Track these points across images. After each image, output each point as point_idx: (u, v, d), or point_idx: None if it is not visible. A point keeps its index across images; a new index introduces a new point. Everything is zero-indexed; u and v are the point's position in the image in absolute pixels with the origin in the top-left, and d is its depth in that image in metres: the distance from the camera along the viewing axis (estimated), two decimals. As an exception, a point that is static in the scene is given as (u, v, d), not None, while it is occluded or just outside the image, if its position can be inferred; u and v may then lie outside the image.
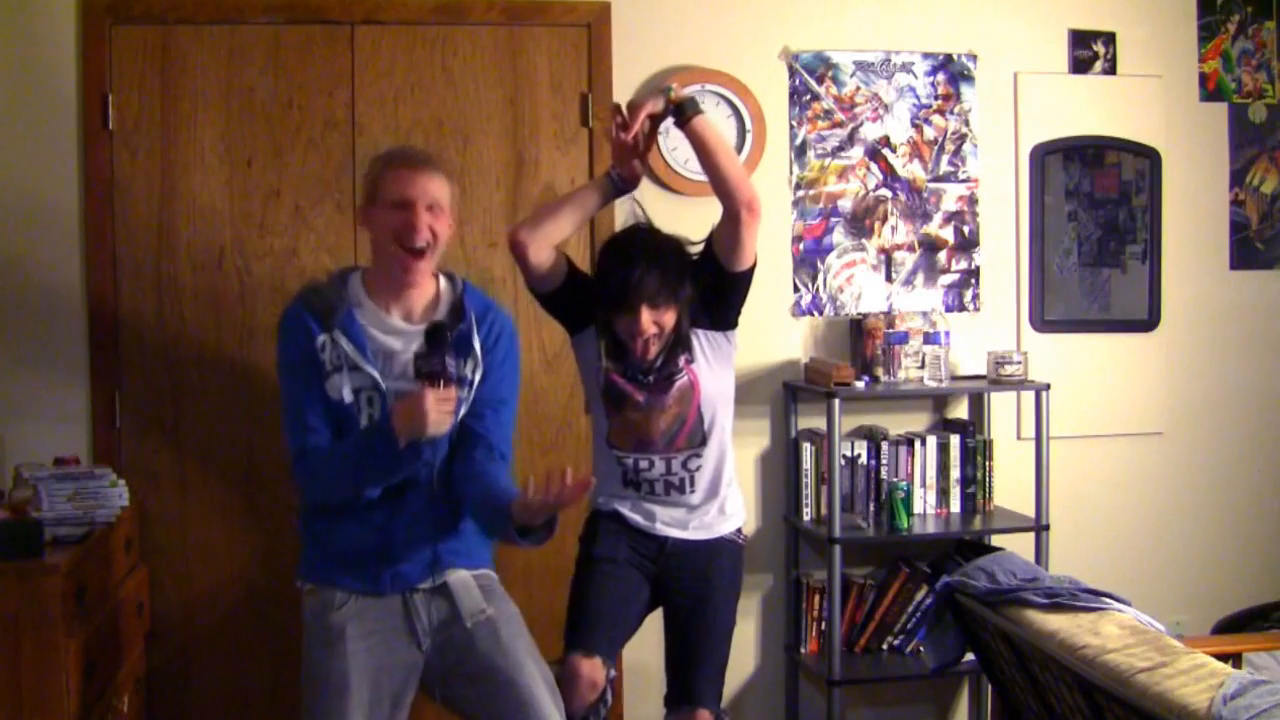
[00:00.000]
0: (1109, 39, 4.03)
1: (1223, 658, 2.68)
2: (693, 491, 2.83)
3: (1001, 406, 3.98)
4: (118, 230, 3.41)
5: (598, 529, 2.87)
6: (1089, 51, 4.02)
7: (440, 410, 2.33)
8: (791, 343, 3.86)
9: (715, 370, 2.81)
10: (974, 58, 3.94)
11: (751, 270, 2.75)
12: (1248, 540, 4.18)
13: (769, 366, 3.79)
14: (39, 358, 3.39)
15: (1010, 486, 3.87)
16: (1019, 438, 3.98)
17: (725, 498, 2.90)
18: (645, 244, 2.72)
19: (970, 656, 3.04)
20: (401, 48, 3.55)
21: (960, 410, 3.96)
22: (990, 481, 3.83)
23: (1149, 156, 4.05)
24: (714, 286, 2.74)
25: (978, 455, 3.83)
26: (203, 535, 3.48)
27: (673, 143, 3.69)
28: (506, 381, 2.63)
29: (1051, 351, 3.99)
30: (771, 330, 3.79)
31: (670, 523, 2.84)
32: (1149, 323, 4.09)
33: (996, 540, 3.72)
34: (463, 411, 2.52)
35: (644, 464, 2.81)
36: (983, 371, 3.88)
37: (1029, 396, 3.87)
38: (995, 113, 3.97)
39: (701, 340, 2.79)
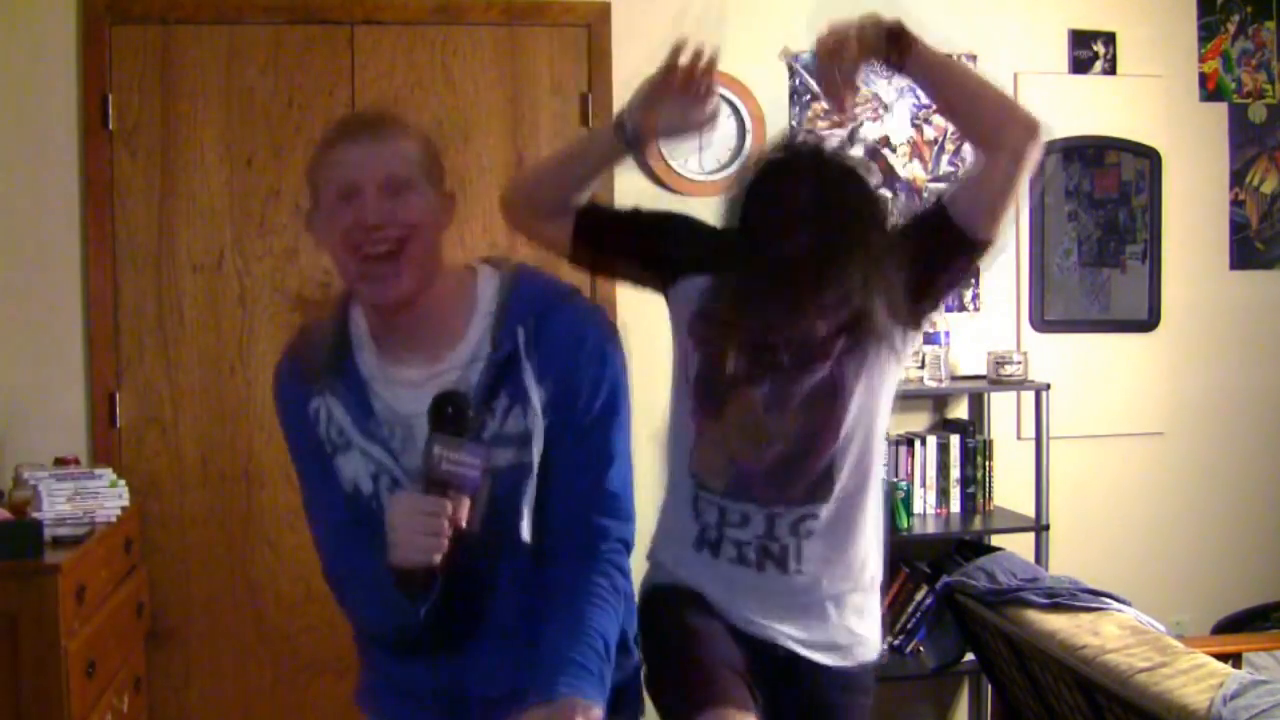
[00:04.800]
0: (1109, 39, 4.03)
1: (1223, 658, 2.68)
2: (799, 571, 1.86)
3: (1001, 406, 3.97)
4: (118, 230, 3.41)
5: (665, 609, 1.91)
6: (1089, 51, 4.02)
7: (416, 528, 1.52)
8: (791, 343, 3.86)
9: (874, 384, 1.84)
10: (974, 58, 3.94)
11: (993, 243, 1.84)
12: (1248, 540, 4.18)
13: (769, 366, 3.79)
14: (39, 358, 3.38)
15: (1010, 486, 3.87)
16: (1019, 438, 3.98)
17: (862, 598, 1.92)
18: (817, 196, 1.74)
19: (970, 656, 3.04)
20: (401, 48, 3.55)
21: (960, 410, 3.96)
22: (990, 481, 3.83)
23: (1149, 156, 4.05)
24: (931, 262, 1.82)
25: (978, 455, 3.83)
26: (202, 535, 3.48)
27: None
28: (603, 427, 1.70)
29: (1051, 351, 3.99)
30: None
31: (783, 620, 1.87)
32: (1149, 323, 4.09)
33: (996, 540, 3.72)
34: (529, 496, 1.66)
35: (734, 517, 1.86)
36: (983, 371, 3.88)
37: (1029, 396, 3.87)
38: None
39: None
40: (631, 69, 3.67)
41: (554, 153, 2.07)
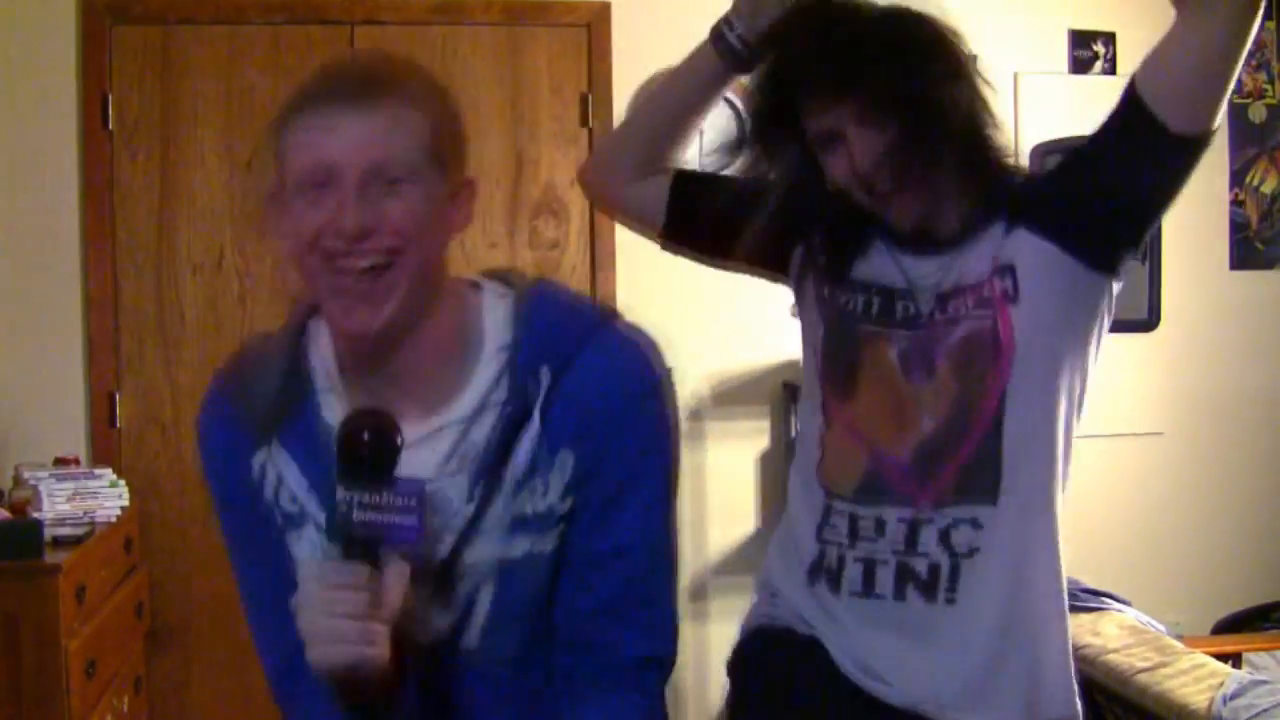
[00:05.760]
0: (1109, 39, 4.03)
1: (1223, 658, 2.68)
2: (950, 601, 1.42)
3: (1001, 406, 3.97)
4: (118, 230, 3.41)
5: (767, 661, 1.55)
6: (1089, 51, 4.02)
7: (328, 609, 1.08)
8: (791, 342, 3.85)
9: (1053, 340, 1.47)
10: (974, 58, 3.93)
11: (1209, 138, 1.40)
12: (1248, 540, 4.18)
13: (769, 366, 3.79)
14: (39, 358, 3.38)
15: (1010, 486, 3.86)
16: (1019, 438, 3.97)
17: (1042, 638, 1.48)
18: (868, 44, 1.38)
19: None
20: (401, 48, 3.54)
21: (960, 410, 3.96)
22: (990, 481, 3.82)
23: (1149, 156, 4.05)
24: (1130, 166, 1.44)
25: (978, 455, 3.81)
26: (203, 536, 3.47)
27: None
28: (641, 506, 1.25)
29: (1051, 351, 3.99)
30: (771, 330, 3.78)
31: (917, 679, 1.44)
32: (1149, 323, 4.08)
33: (996, 540, 3.71)
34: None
35: (866, 526, 1.45)
36: (983, 371, 3.87)
37: (1029, 396, 3.87)
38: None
39: (1040, 260, 1.44)
40: (631, 69, 3.69)
41: (645, 92, 1.70)
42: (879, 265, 1.48)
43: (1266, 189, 4.19)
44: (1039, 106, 3.97)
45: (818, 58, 1.35)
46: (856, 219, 1.46)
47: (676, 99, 1.60)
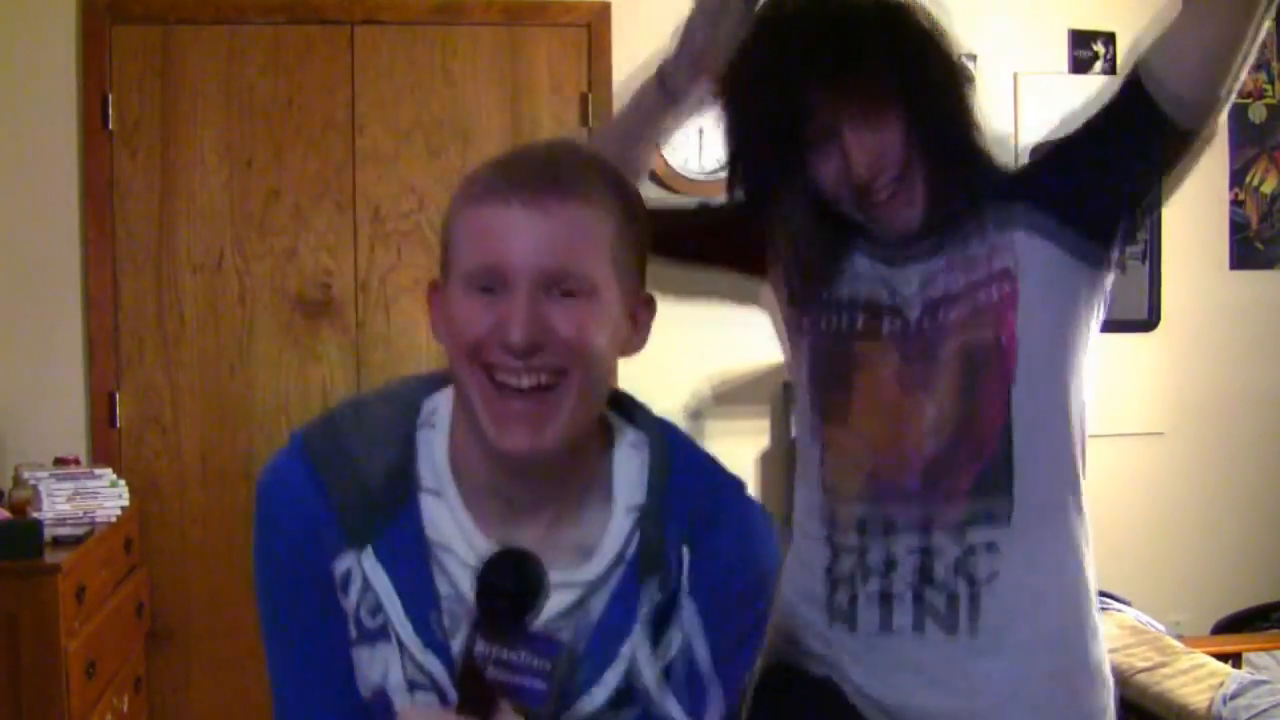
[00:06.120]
0: (1109, 39, 4.03)
1: (1223, 658, 2.68)
2: (973, 631, 1.36)
3: (1001, 406, 3.97)
4: (118, 230, 3.42)
5: (777, 705, 1.48)
6: (1089, 51, 4.02)
7: None
8: (791, 343, 3.85)
9: (1056, 336, 1.42)
10: (974, 58, 3.93)
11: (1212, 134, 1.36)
12: (1248, 540, 4.18)
13: (769, 366, 3.79)
14: (39, 358, 3.38)
15: (1010, 486, 3.86)
16: (1019, 438, 3.97)
17: (1078, 667, 1.45)
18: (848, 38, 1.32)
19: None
20: (401, 48, 3.55)
21: (960, 410, 3.95)
22: (990, 481, 3.82)
23: (1149, 156, 4.05)
24: (1126, 150, 1.37)
25: (978, 455, 3.81)
26: (203, 536, 3.48)
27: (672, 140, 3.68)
28: (710, 687, 1.14)
29: (1051, 351, 3.98)
30: (771, 330, 3.78)
31: (938, 716, 1.40)
32: (1149, 323, 4.09)
33: (996, 540, 3.71)
34: None
35: (875, 558, 1.39)
36: (983, 371, 3.87)
37: (1029, 396, 3.86)
38: (995, 113, 3.96)
39: (1040, 261, 1.40)
40: (631, 69, 3.68)
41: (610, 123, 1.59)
42: (860, 279, 1.42)
43: (1266, 189, 4.19)
44: (1039, 106, 3.97)
45: (817, 50, 1.30)
46: (837, 230, 1.40)
47: (633, 122, 1.59)
